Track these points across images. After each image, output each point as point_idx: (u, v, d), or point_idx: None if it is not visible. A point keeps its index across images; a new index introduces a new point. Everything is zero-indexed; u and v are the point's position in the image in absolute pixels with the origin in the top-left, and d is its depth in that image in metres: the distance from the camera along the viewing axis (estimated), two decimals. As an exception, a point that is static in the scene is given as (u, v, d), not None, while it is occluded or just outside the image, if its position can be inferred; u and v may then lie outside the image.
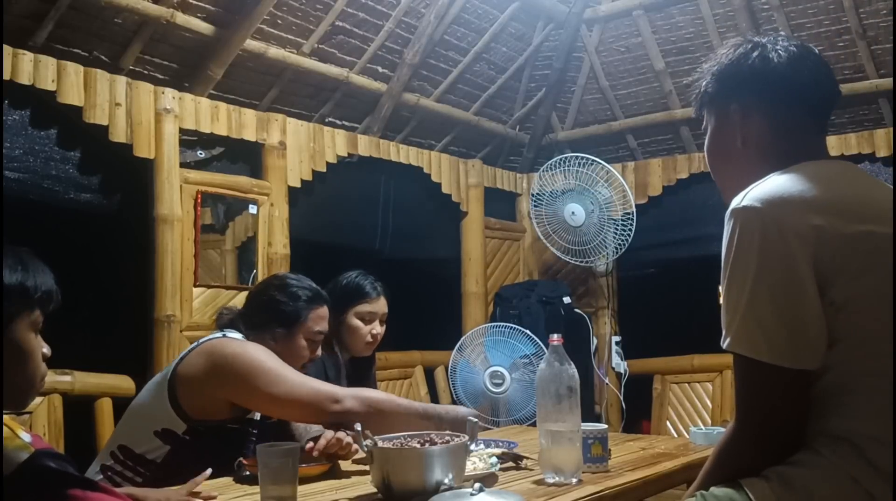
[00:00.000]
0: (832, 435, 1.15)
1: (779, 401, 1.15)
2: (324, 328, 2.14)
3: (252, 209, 3.21)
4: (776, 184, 1.21)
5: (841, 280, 1.14)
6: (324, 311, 2.13)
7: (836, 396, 1.15)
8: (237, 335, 2.01)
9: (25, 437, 1.01)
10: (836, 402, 1.15)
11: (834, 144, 3.83)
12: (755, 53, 1.33)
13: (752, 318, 1.15)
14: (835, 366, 1.15)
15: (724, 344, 1.19)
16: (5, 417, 1.02)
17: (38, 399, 2.56)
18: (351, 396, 1.89)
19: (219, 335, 2.02)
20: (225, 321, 2.11)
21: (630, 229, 4.08)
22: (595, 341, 4.39)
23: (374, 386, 2.70)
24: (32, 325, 1.13)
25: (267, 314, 2.07)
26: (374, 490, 1.65)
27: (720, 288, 1.21)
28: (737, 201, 1.21)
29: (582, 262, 4.19)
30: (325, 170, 3.51)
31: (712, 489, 1.21)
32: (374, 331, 2.54)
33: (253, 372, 1.86)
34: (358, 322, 2.52)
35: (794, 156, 1.29)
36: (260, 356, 1.90)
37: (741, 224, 1.18)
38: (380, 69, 3.75)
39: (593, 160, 4.09)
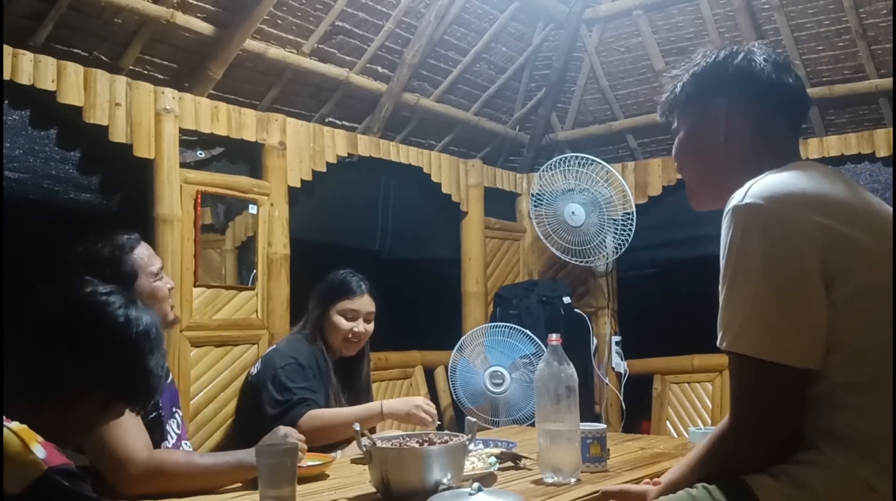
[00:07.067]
0: (838, 435, 1.14)
1: (779, 400, 1.15)
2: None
3: (252, 209, 3.21)
4: (777, 181, 1.20)
5: (841, 280, 1.14)
6: None
7: (842, 396, 1.15)
8: None
9: (40, 452, 0.98)
10: (842, 402, 1.15)
11: (834, 144, 3.83)
12: (741, 56, 1.37)
13: (757, 317, 1.14)
14: (841, 367, 1.15)
15: (723, 344, 1.18)
16: (21, 427, 0.99)
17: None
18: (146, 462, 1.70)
19: None
20: None
21: (630, 229, 4.08)
22: (595, 341, 4.39)
23: (368, 387, 2.70)
24: None
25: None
26: (374, 490, 1.65)
27: (720, 289, 1.21)
28: (737, 199, 1.19)
29: (582, 262, 4.19)
30: (325, 170, 3.50)
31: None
32: (355, 329, 2.53)
33: None
34: (339, 319, 2.53)
35: (775, 158, 1.30)
36: None
37: (744, 222, 1.17)
38: (380, 69, 3.75)
39: (593, 160, 4.09)
